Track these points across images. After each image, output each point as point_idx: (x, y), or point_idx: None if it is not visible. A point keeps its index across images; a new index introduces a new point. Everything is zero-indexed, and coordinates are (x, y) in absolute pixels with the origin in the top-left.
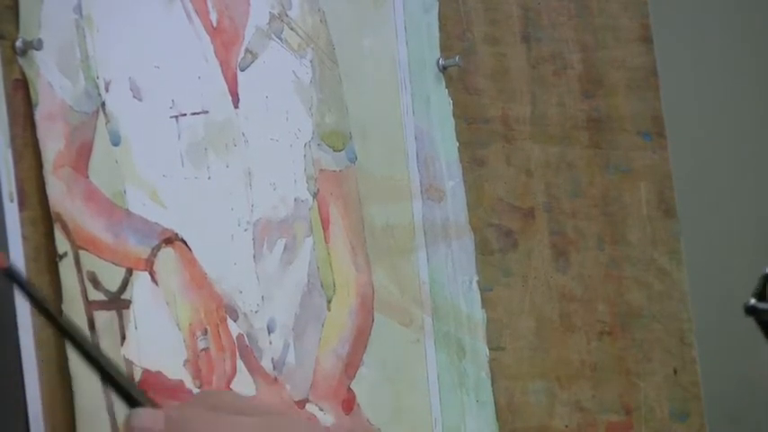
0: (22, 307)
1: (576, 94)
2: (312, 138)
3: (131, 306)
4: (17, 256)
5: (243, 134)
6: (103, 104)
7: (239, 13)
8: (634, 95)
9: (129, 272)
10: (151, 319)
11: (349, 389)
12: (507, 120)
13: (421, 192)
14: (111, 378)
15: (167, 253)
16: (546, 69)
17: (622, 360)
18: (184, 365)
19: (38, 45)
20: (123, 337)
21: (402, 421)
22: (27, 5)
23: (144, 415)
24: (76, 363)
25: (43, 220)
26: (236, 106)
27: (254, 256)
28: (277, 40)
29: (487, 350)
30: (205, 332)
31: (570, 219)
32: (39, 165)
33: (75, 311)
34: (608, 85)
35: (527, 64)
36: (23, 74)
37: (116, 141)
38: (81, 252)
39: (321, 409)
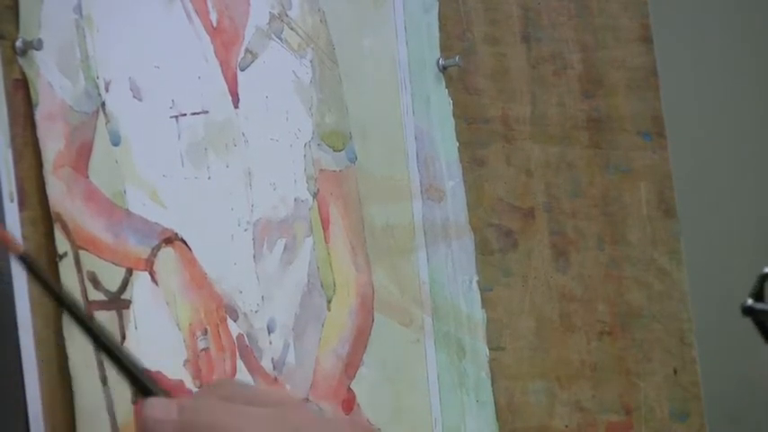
0: (23, 307)
1: (575, 94)
2: (312, 138)
3: (131, 306)
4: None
5: (243, 134)
6: (103, 104)
7: (239, 13)
8: (634, 95)
9: (129, 272)
10: (151, 319)
11: (349, 389)
12: (507, 120)
13: (421, 192)
14: (126, 368)
15: (167, 253)
16: (546, 69)
17: (622, 360)
18: (184, 365)
19: (38, 45)
20: (123, 337)
21: (402, 421)
22: (27, 5)
23: (157, 405)
24: (76, 363)
25: (43, 220)
26: (236, 106)
27: (254, 256)
28: (277, 40)
29: (487, 350)
30: (205, 332)
31: (570, 219)
32: (39, 165)
33: None
34: (608, 85)
35: (527, 64)
36: (23, 74)
37: (116, 141)
38: (81, 252)
39: (321, 409)
